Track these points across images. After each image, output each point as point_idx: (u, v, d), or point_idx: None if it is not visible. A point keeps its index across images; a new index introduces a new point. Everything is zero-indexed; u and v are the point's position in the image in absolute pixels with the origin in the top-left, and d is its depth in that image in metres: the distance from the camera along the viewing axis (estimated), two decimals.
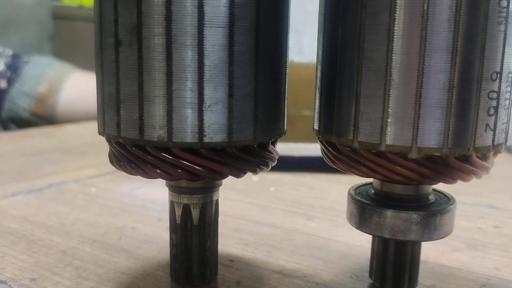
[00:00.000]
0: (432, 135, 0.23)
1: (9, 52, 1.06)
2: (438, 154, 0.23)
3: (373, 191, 0.27)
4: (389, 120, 0.23)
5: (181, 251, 0.28)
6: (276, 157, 0.28)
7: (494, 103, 0.23)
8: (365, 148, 0.24)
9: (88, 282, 0.30)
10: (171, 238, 0.29)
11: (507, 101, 0.23)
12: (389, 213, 0.25)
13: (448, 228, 0.26)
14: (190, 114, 0.23)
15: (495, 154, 0.25)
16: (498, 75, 0.23)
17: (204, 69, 0.23)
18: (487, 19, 0.22)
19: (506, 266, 0.33)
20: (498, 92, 0.23)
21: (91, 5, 1.99)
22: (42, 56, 1.16)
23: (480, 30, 0.22)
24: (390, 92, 0.23)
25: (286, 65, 0.26)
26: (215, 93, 0.23)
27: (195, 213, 0.28)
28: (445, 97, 0.22)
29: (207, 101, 0.23)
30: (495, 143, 0.23)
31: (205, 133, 0.23)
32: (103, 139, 0.26)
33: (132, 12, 0.23)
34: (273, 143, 0.27)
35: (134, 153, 0.25)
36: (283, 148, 0.51)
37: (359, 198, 0.27)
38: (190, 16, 0.22)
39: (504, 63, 0.22)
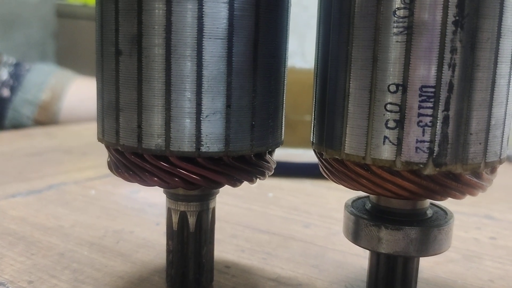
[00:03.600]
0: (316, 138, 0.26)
1: (12, 60, 1.07)
2: (338, 157, 0.24)
3: (370, 205, 0.27)
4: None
5: (177, 257, 0.29)
6: (273, 167, 0.28)
7: (395, 116, 0.22)
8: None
9: (85, 285, 0.30)
10: (167, 244, 0.29)
11: (428, 118, 0.22)
12: (385, 228, 0.25)
13: (445, 244, 0.26)
14: (188, 124, 0.23)
15: (416, 172, 0.23)
16: (400, 88, 0.22)
17: (203, 79, 0.23)
18: (379, 29, 0.22)
19: (501, 278, 0.33)
20: (403, 106, 0.22)
21: (94, 3, 1.99)
22: (43, 64, 1.16)
23: (372, 41, 0.22)
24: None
25: (284, 76, 0.27)
26: (213, 104, 0.23)
27: (191, 220, 0.28)
28: (341, 104, 0.24)
29: (205, 111, 0.23)
30: (403, 159, 0.22)
31: (202, 143, 0.24)
32: None
33: (132, 22, 0.23)
34: (270, 153, 0.28)
35: (132, 160, 0.25)
36: (282, 154, 0.52)
37: (355, 211, 0.27)
38: (189, 27, 0.23)
39: (410, 76, 0.22)
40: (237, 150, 0.25)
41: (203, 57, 0.23)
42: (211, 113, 0.24)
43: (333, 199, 0.49)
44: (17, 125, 1.02)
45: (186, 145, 0.24)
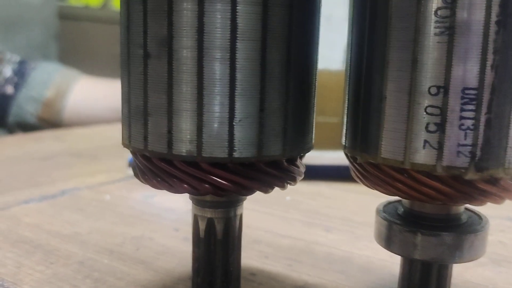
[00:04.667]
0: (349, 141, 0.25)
1: (16, 58, 1.06)
2: (374, 162, 0.24)
3: (402, 209, 0.27)
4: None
5: (204, 266, 0.28)
6: (303, 171, 0.27)
7: (436, 119, 0.21)
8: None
9: None
10: (193, 251, 0.28)
11: (470, 121, 0.21)
12: (419, 233, 0.24)
13: (481, 250, 0.25)
14: (220, 129, 0.23)
15: (456, 176, 0.22)
16: (442, 90, 0.21)
17: (236, 83, 0.22)
18: (419, 30, 0.21)
19: None
20: (444, 109, 0.21)
21: (96, 5, 1.99)
22: (49, 62, 1.16)
23: (411, 41, 0.21)
24: None
25: (315, 79, 0.26)
26: (246, 108, 0.23)
27: (219, 227, 0.27)
28: (378, 107, 0.23)
29: (238, 115, 0.23)
30: (444, 164, 0.22)
31: (235, 148, 0.23)
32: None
33: (162, 23, 0.22)
34: (301, 157, 0.27)
35: (161, 167, 0.24)
36: None
37: (388, 217, 0.26)
38: (223, 28, 0.22)
39: (452, 77, 0.21)
40: (269, 155, 0.24)
41: (236, 60, 0.22)
42: (244, 117, 0.23)
43: (352, 202, 0.48)
44: (21, 122, 1.02)
45: (218, 151, 0.23)
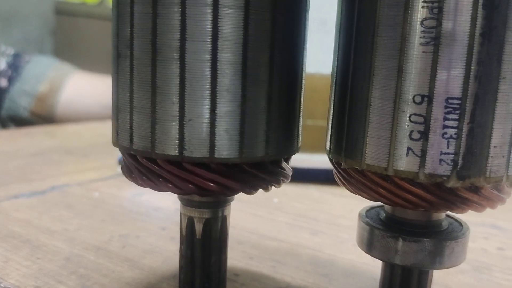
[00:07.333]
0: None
1: (10, 51, 1.06)
2: (358, 167, 0.24)
3: (384, 215, 0.27)
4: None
5: (186, 263, 0.28)
6: (279, 178, 0.27)
7: (419, 127, 0.22)
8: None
9: None
10: (180, 248, 0.28)
11: (453, 130, 0.22)
12: (400, 239, 0.25)
13: (461, 256, 0.25)
14: (171, 127, 0.23)
15: (438, 183, 0.22)
16: (426, 99, 0.21)
17: (185, 83, 0.23)
18: (405, 39, 0.22)
19: None
20: (428, 117, 0.21)
21: (93, 2, 2.00)
22: (43, 56, 1.16)
23: (397, 50, 0.22)
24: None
25: (296, 83, 0.26)
26: (196, 108, 0.23)
27: (198, 227, 0.28)
28: (363, 113, 0.23)
29: (187, 115, 0.23)
30: (426, 171, 0.22)
31: (185, 147, 0.23)
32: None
33: (127, 25, 0.24)
34: (275, 162, 0.26)
35: (128, 160, 0.25)
36: None
37: (370, 222, 0.26)
38: (173, 29, 0.23)
39: (436, 87, 0.21)
40: (223, 157, 0.24)
41: (185, 60, 0.23)
42: (194, 117, 0.23)
43: (339, 205, 0.49)
44: (13, 116, 1.02)
45: (169, 149, 0.24)
